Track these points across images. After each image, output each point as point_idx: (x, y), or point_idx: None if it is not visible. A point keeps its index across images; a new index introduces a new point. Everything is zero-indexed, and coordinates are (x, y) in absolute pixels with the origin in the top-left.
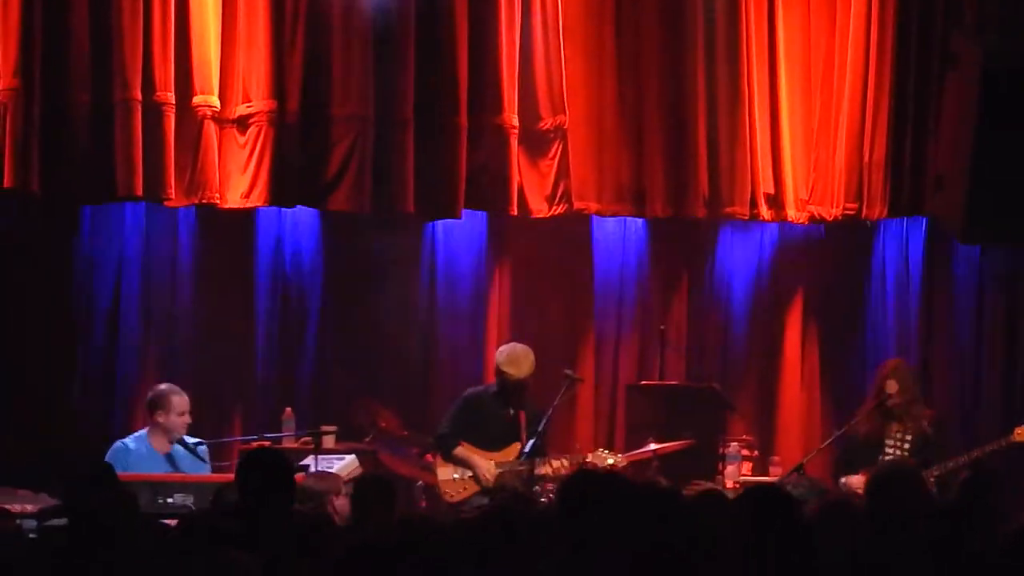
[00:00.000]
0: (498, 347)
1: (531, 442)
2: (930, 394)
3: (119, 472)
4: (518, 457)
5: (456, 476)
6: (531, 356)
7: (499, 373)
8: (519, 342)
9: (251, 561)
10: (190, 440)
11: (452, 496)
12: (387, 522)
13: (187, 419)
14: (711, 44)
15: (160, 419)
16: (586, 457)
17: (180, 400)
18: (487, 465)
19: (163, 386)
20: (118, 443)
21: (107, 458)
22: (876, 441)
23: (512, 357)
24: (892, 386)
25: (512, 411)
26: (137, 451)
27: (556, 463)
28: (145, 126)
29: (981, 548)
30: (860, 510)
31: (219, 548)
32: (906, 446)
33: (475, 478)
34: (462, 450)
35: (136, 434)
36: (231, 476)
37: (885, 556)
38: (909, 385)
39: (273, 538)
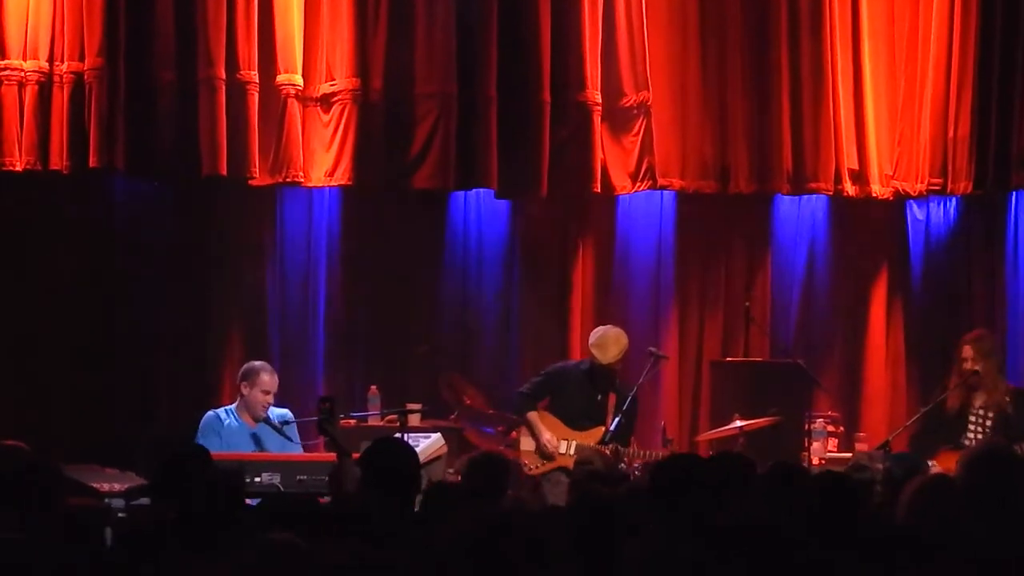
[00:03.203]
0: (582, 325)
1: (616, 420)
2: (1017, 371)
3: (214, 440)
4: (601, 440)
5: (535, 451)
6: (622, 341)
7: (590, 354)
8: (604, 321)
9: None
10: (277, 416)
11: (531, 468)
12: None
13: (269, 399)
14: (795, 19)
15: (244, 391)
16: (658, 455)
17: (268, 379)
18: (550, 437)
19: (259, 362)
20: (210, 413)
21: (200, 428)
22: (959, 416)
23: (601, 341)
24: (968, 353)
25: (600, 393)
26: (228, 423)
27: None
28: (229, 105)
29: None
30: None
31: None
32: (987, 423)
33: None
34: (535, 415)
35: (228, 406)
36: (319, 455)
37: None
38: (989, 356)
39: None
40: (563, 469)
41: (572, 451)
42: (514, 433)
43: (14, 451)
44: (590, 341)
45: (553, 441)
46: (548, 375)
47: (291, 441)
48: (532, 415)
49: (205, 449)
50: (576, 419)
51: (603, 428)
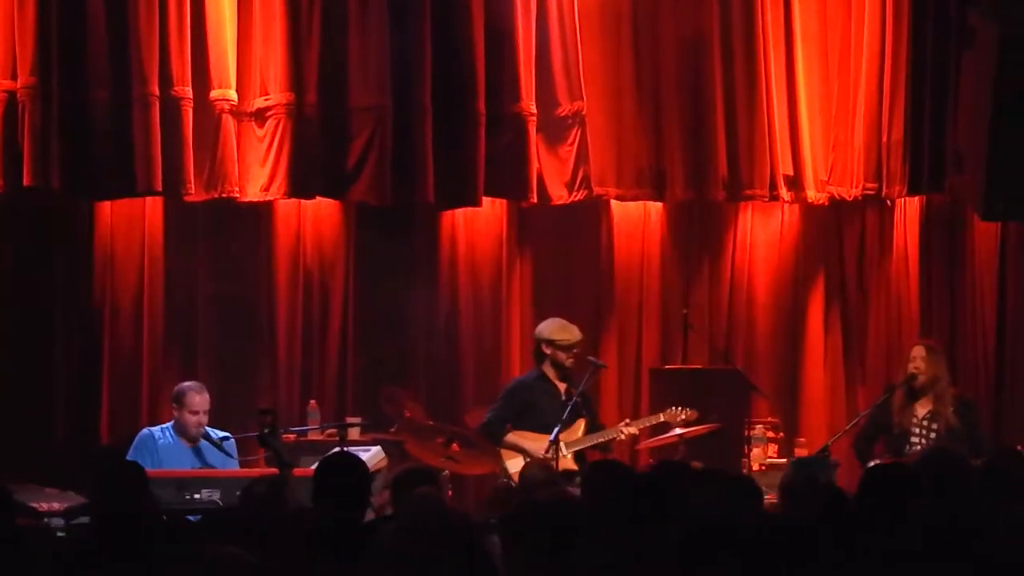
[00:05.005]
0: (520, 335)
1: (556, 430)
2: (956, 376)
3: (146, 460)
4: (553, 441)
5: None
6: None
7: (549, 344)
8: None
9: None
10: (217, 435)
11: None
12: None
13: (201, 419)
14: (727, 26)
15: (176, 414)
16: (659, 417)
17: (198, 399)
18: (537, 447)
19: (188, 383)
20: (144, 431)
21: (134, 446)
22: (903, 425)
23: (560, 325)
24: (919, 352)
25: (564, 390)
26: (164, 441)
27: (629, 429)
28: (163, 121)
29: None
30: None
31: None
32: (932, 433)
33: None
34: (512, 436)
35: (163, 425)
36: (258, 471)
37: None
38: (938, 364)
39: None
40: (566, 472)
41: (568, 452)
42: (455, 446)
43: None
44: (547, 332)
45: (541, 451)
46: (508, 394)
47: (230, 457)
48: (510, 437)
49: (139, 465)
50: (550, 425)
51: (582, 420)
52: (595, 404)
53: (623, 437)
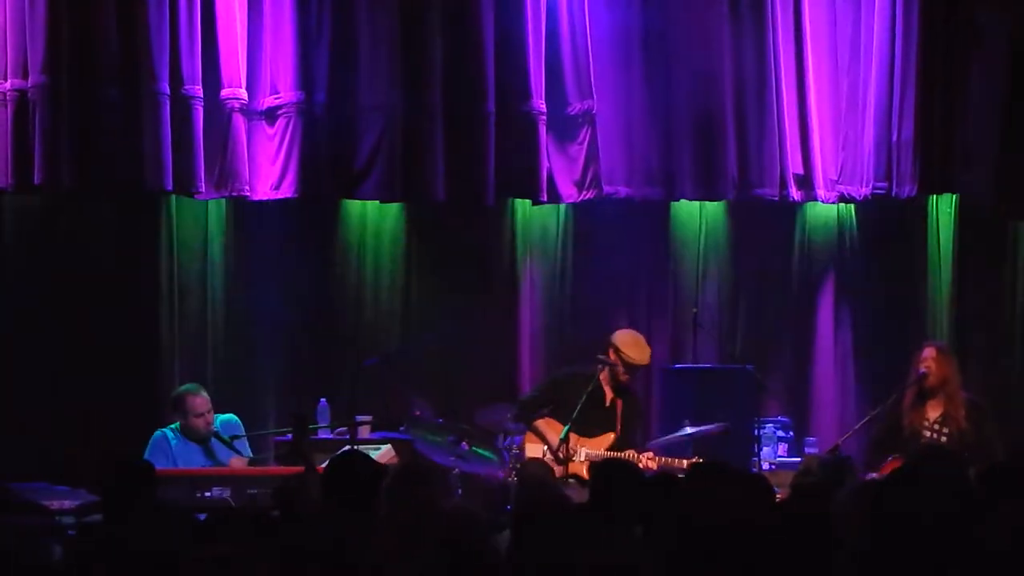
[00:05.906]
0: (531, 336)
1: (566, 428)
2: (966, 379)
3: (162, 460)
4: (563, 439)
5: (547, 457)
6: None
7: (616, 352)
8: (551, 330)
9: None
10: (222, 422)
11: None
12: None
13: (207, 418)
14: (738, 24)
15: (180, 420)
16: (684, 463)
17: (199, 401)
18: (555, 441)
19: (183, 387)
20: (158, 432)
21: (149, 446)
22: (913, 426)
23: (635, 340)
24: (930, 353)
25: (610, 399)
26: (176, 441)
27: (651, 462)
28: (174, 119)
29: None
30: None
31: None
32: (943, 437)
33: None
34: (541, 423)
35: (173, 425)
36: (270, 469)
37: None
38: (949, 365)
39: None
40: (576, 476)
41: (583, 458)
42: (465, 444)
43: None
44: (621, 342)
45: (564, 448)
46: (550, 382)
47: (240, 454)
48: (539, 423)
49: (151, 465)
50: (586, 426)
51: (613, 434)
52: (637, 422)
53: (640, 466)
